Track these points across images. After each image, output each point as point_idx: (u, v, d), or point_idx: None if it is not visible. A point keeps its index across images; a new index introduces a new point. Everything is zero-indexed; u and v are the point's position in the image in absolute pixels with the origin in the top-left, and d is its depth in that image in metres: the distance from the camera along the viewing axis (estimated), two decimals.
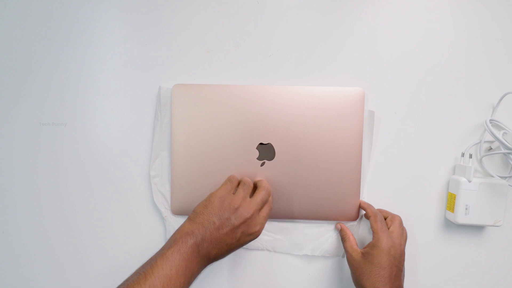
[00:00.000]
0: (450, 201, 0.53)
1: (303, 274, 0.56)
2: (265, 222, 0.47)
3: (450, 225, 0.55)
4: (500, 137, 0.49)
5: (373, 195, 0.55)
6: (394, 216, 0.52)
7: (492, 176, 0.53)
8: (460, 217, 0.51)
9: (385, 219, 0.52)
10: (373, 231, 0.49)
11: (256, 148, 0.53)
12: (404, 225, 0.53)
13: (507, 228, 0.54)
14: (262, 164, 0.53)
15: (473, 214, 0.51)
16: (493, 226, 0.52)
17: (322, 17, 0.56)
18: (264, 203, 0.48)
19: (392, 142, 0.55)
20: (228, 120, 0.53)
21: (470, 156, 0.53)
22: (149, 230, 0.56)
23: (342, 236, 0.53)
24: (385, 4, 0.55)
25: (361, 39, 0.56)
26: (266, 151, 0.53)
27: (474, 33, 0.55)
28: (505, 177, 0.53)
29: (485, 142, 0.54)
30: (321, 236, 0.55)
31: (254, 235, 0.46)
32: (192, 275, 0.40)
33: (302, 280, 0.56)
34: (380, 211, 0.53)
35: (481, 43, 0.55)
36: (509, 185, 0.52)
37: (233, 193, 0.47)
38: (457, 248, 0.55)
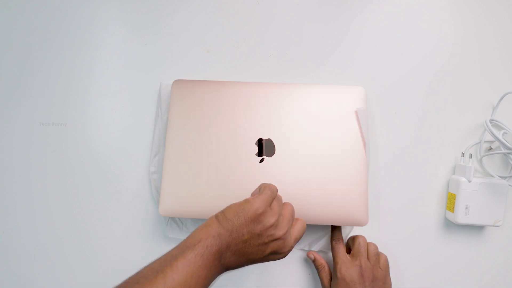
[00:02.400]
0: (450, 201, 0.53)
1: (304, 273, 0.56)
2: (295, 244, 0.42)
3: (450, 225, 0.55)
4: (500, 137, 0.49)
5: (373, 195, 0.55)
6: (355, 238, 0.51)
7: (492, 176, 0.53)
8: (460, 217, 0.51)
9: (349, 241, 0.52)
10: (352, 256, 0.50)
11: (255, 144, 0.52)
12: (404, 225, 0.53)
13: (507, 228, 0.54)
14: (261, 161, 0.52)
15: (473, 214, 0.51)
16: (493, 226, 0.52)
17: (322, 17, 0.56)
18: (293, 219, 0.43)
19: (392, 142, 0.55)
20: (227, 115, 0.52)
21: (470, 156, 0.53)
22: (149, 229, 0.56)
23: (317, 266, 0.52)
24: (385, 4, 0.55)
25: (361, 39, 0.56)
26: (265, 147, 0.52)
27: (474, 33, 0.55)
28: (505, 177, 0.53)
29: (485, 142, 0.54)
30: (319, 232, 0.55)
31: (283, 255, 0.41)
32: (208, 283, 0.37)
33: (303, 278, 0.56)
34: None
35: (481, 43, 0.55)
36: (509, 185, 0.52)
37: (270, 207, 0.41)
38: (457, 248, 0.55)
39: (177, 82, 0.53)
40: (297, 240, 0.43)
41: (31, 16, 0.58)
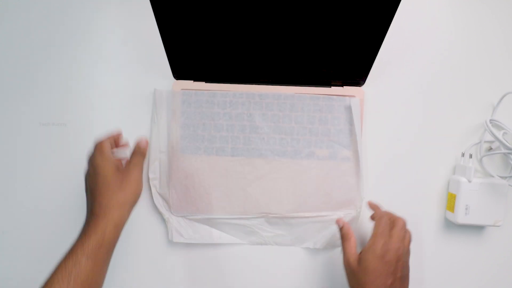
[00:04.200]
0: (450, 201, 0.53)
1: (306, 269, 0.56)
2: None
3: (450, 225, 0.55)
4: (500, 137, 0.49)
5: (373, 195, 0.55)
6: (396, 219, 0.48)
7: (492, 176, 0.53)
8: (460, 217, 0.51)
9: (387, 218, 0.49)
10: (372, 234, 0.46)
11: None
12: None
13: (507, 228, 0.54)
14: None
15: (473, 214, 0.51)
16: (493, 226, 0.52)
17: None
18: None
19: (391, 142, 0.55)
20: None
21: (470, 156, 0.53)
22: (150, 232, 0.56)
23: (343, 234, 0.49)
24: None
25: None
26: None
27: (474, 32, 0.55)
28: (505, 177, 0.53)
29: (485, 142, 0.54)
30: (323, 230, 0.54)
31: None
32: None
33: (303, 274, 0.56)
34: (386, 213, 0.50)
35: (481, 42, 0.55)
36: (509, 185, 0.51)
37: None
38: (457, 248, 0.55)
39: (178, 84, 0.54)
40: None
41: (32, 17, 0.58)
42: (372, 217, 0.50)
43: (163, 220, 0.55)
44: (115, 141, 0.50)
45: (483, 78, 0.55)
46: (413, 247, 0.51)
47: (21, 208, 0.57)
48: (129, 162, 0.48)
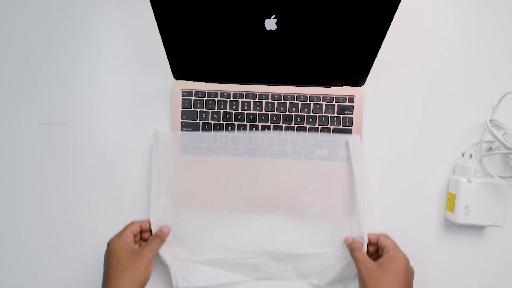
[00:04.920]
0: (450, 201, 0.53)
1: None
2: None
3: (450, 225, 0.55)
4: (500, 137, 0.49)
5: (373, 195, 0.55)
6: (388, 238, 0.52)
7: (492, 176, 0.53)
8: (460, 217, 0.51)
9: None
10: (388, 248, 0.48)
11: None
12: (405, 225, 0.53)
13: (507, 228, 0.54)
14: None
15: (473, 214, 0.51)
16: (493, 226, 0.52)
17: None
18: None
19: (392, 142, 0.55)
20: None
21: (470, 156, 0.53)
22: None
23: (354, 247, 0.50)
24: None
25: None
26: None
27: (474, 32, 0.55)
28: (505, 177, 0.53)
29: (485, 142, 0.54)
30: (328, 268, 0.54)
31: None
32: None
33: None
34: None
35: (481, 42, 0.55)
36: (509, 185, 0.51)
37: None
38: (457, 248, 0.55)
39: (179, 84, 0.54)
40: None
41: (32, 17, 0.58)
42: (373, 240, 0.52)
43: (165, 266, 0.53)
44: (141, 229, 0.52)
45: (483, 78, 0.55)
46: (413, 247, 0.51)
47: (21, 208, 0.57)
48: (147, 244, 0.50)
